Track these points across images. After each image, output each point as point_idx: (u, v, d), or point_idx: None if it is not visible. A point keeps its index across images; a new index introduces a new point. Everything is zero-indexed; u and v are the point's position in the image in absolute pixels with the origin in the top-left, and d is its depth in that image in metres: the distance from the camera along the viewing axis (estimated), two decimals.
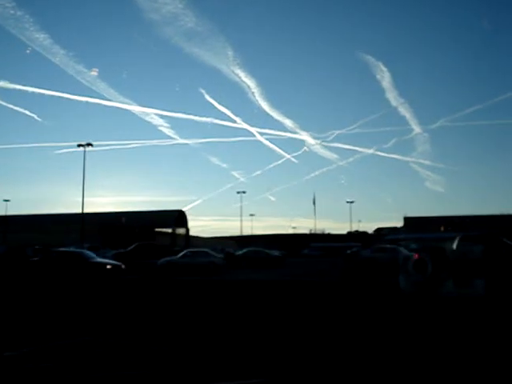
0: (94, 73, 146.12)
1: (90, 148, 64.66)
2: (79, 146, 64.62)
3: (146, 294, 19.63)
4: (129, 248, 40.72)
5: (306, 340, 9.58)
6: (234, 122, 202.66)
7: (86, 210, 67.16)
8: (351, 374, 7.06)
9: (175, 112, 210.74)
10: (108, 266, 27.26)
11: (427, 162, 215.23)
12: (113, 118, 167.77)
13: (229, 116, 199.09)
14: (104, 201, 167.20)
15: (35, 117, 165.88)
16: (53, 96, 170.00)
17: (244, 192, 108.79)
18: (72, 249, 36.16)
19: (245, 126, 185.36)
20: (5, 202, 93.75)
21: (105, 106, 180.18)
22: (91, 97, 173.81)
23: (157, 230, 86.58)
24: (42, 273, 26.65)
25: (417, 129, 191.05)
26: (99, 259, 28.77)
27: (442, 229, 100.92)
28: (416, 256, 25.81)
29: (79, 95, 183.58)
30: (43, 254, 42.68)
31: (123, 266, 27.81)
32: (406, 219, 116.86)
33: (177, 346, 9.05)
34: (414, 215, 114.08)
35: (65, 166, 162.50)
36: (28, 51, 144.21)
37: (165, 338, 9.82)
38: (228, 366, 7.62)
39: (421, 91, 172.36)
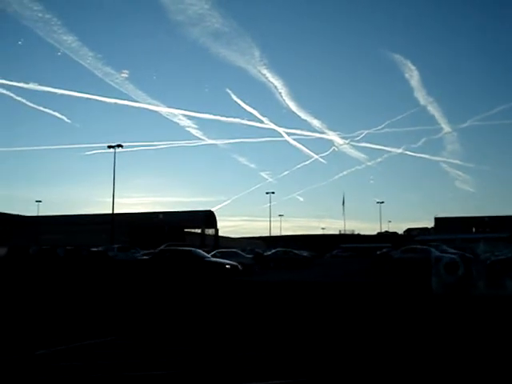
0: (124, 74, 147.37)
1: (119, 149, 65.33)
2: (109, 147, 65.30)
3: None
4: (158, 248, 40.92)
5: (334, 341, 9.51)
6: (261, 122, 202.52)
7: (116, 211, 67.88)
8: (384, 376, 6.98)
9: (202, 113, 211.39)
10: (227, 266, 26.74)
11: (457, 162, 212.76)
12: (141, 119, 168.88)
13: (256, 116, 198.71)
14: (133, 201, 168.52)
15: (65, 119, 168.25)
16: (82, 98, 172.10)
17: (273, 192, 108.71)
18: (185, 247, 35.14)
19: (272, 126, 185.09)
20: (36, 203, 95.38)
21: (133, 107, 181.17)
22: (119, 98, 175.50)
23: (186, 230, 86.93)
24: (154, 271, 26.42)
25: (446, 128, 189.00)
26: (215, 259, 28.37)
27: (474, 230, 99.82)
28: (448, 257, 25.62)
29: (108, 97, 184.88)
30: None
31: (240, 267, 27.17)
32: (437, 220, 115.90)
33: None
34: (445, 215, 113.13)
35: (94, 167, 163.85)
36: (59, 53, 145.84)
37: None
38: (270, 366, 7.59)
39: (450, 90, 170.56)
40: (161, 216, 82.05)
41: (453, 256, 29.36)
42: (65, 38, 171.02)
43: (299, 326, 11.33)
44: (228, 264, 26.87)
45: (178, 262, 26.35)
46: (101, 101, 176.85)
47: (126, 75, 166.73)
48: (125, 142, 64.59)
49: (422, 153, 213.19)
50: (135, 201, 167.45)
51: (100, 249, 46.38)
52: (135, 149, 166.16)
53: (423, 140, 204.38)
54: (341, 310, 14.55)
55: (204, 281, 24.28)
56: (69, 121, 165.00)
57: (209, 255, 28.69)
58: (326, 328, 11.11)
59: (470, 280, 18.07)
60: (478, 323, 11.65)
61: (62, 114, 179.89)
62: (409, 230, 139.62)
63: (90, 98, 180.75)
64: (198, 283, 23.85)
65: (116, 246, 49.64)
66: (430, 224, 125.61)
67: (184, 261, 26.43)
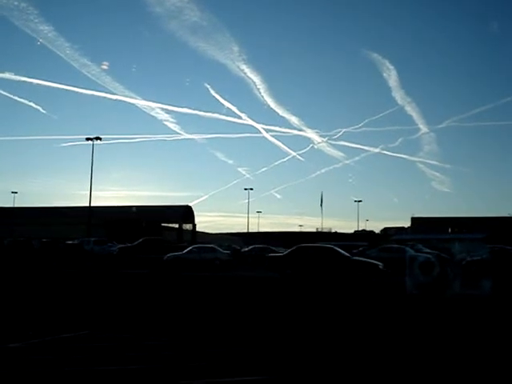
0: (105, 66, 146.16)
1: (97, 142, 64.85)
2: (88, 139, 64.76)
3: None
4: (135, 242, 40.73)
5: (298, 337, 9.54)
6: (240, 118, 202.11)
7: (92, 204, 67.33)
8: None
9: (180, 107, 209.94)
10: (380, 267, 24.83)
11: (434, 162, 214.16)
12: (118, 112, 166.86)
13: (234, 112, 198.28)
14: (110, 195, 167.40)
15: (40, 109, 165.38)
16: (58, 88, 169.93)
17: (251, 189, 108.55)
18: (326, 245, 31.64)
19: (250, 122, 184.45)
20: (12, 195, 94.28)
21: (110, 99, 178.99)
22: (96, 90, 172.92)
23: (163, 225, 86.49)
24: (292, 267, 25.59)
25: (424, 128, 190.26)
26: (363, 258, 27.26)
27: (450, 230, 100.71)
28: (422, 257, 25.79)
29: (84, 88, 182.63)
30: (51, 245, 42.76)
31: (381, 266, 25.02)
32: (414, 219, 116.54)
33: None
34: (421, 215, 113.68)
35: (71, 160, 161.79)
36: (38, 43, 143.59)
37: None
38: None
39: (428, 90, 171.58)
40: (134, 209, 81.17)
41: (428, 256, 29.58)
42: (41, 27, 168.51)
43: (272, 322, 11.35)
44: (381, 265, 25.08)
45: (319, 260, 25.08)
46: (77, 92, 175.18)
47: (106, 67, 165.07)
48: (101, 134, 63.98)
49: (399, 153, 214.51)
50: (112, 194, 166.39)
51: (76, 242, 46.10)
52: (112, 142, 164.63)
53: (400, 140, 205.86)
54: (303, 305, 14.59)
55: (351, 280, 23.35)
56: (44, 111, 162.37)
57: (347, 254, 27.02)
58: (288, 323, 11.14)
59: (445, 280, 18.21)
60: (445, 324, 11.74)
61: (38, 105, 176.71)
62: (385, 229, 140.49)
63: (66, 89, 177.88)
64: (345, 282, 22.95)
65: (92, 239, 49.33)
66: (407, 223, 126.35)
67: (326, 258, 25.16)
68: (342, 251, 26.40)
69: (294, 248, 27.01)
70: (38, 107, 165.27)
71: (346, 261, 25.01)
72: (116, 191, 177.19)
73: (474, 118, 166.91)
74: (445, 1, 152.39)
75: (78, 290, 18.61)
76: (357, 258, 26.66)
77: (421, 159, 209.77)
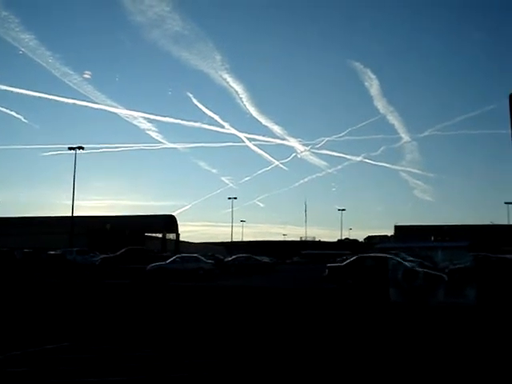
0: (87, 75, 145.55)
1: (79, 151, 64.49)
2: (70, 148, 64.39)
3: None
4: (118, 252, 40.44)
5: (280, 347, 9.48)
6: (223, 127, 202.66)
7: (75, 214, 66.92)
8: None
9: (163, 116, 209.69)
10: (444, 278, 21.66)
11: (416, 171, 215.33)
12: (100, 122, 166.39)
13: (217, 121, 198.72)
14: (92, 204, 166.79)
15: (22, 118, 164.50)
16: (39, 98, 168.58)
17: (235, 198, 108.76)
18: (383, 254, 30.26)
19: (233, 131, 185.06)
20: None
21: (92, 108, 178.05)
22: (78, 99, 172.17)
23: (147, 234, 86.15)
24: (353, 278, 25.11)
25: (405, 137, 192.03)
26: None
27: (433, 238, 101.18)
28: (406, 266, 25.78)
29: (66, 97, 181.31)
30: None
31: (445, 277, 22.07)
32: (397, 228, 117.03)
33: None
34: (405, 224, 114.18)
35: (53, 169, 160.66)
36: (20, 52, 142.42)
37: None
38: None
39: (410, 99, 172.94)
40: (108, 226, 79.64)
41: (412, 264, 29.59)
42: (22, 36, 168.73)
43: (251, 333, 11.28)
44: (444, 276, 22.45)
45: (380, 270, 24.32)
46: (59, 101, 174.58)
47: (88, 76, 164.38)
48: (83, 143, 63.66)
49: (381, 161, 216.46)
50: (95, 203, 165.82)
51: (58, 252, 45.68)
52: (94, 151, 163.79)
53: (383, 148, 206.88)
54: (287, 317, 14.51)
55: None
56: (26, 121, 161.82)
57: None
58: (272, 333, 11.08)
59: (428, 289, 18.19)
60: (423, 332, 11.73)
61: (19, 114, 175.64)
62: (369, 238, 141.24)
63: (47, 98, 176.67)
64: None
65: (75, 249, 48.93)
66: (390, 232, 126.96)
67: (387, 269, 24.45)
68: (403, 261, 25.93)
69: (355, 258, 26.56)
70: (20, 116, 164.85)
71: (410, 272, 24.40)
72: (99, 201, 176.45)
73: (455, 127, 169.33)
74: (427, 11, 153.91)
75: (60, 300, 18.39)
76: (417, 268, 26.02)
77: (403, 168, 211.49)
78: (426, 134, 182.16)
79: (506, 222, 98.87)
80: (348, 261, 27.23)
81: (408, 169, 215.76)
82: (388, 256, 26.97)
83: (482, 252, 36.25)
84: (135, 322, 12.99)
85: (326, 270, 26.99)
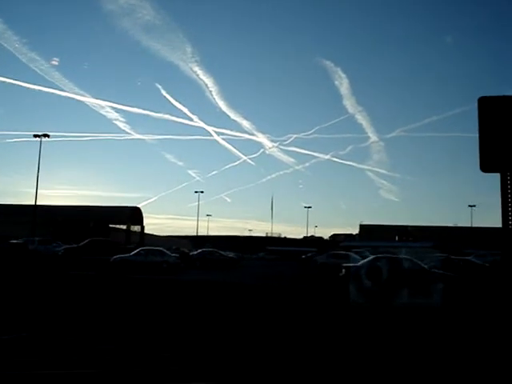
0: (54, 62, 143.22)
1: (45, 139, 63.54)
2: (35, 136, 63.40)
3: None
4: (81, 243, 39.91)
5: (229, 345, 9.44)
6: (191, 119, 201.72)
7: (39, 203, 65.86)
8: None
9: (131, 106, 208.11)
10: None
11: (382, 171, 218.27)
12: (67, 110, 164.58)
13: (185, 113, 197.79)
14: (57, 193, 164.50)
15: None
16: (4, 83, 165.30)
17: (202, 192, 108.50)
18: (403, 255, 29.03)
19: (201, 124, 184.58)
20: None
21: (59, 96, 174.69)
22: (45, 86, 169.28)
23: (111, 226, 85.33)
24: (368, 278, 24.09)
25: (373, 137, 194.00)
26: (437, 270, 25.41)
27: (397, 238, 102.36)
28: (370, 264, 25.85)
29: (32, 83, 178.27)
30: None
31: None
32: (362, 227, 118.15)
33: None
34: (369, 223, 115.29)
35: (17, 156, 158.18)
36: None
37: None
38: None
39: (378, 100, 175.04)
40: (60, 219, 77.76)
41: (376, 263, 29.70)
42: None
43: (200, 328, 11.21)
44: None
45: (398, 271, 23.88)
46: (25, 87, 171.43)
47: (56, 63, 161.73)
48: (49, 131, 62.60)
49: (349, 160, 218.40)
50: (59, 193, 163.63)
51: (20, 241, 44.89)
52: (60, 139, 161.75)
53: (350, 147, 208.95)
54: (245, 312, 14.47)
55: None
56: None
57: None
58: (229, 328, 11.03)
59: (392, 289, 18.21)
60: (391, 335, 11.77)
61: None
62: (334, 236, 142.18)
63: (12, 83, 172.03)
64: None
65: (37, 238, 48.14)
66: (355, 231, 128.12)
67: (400, 269, 24.00)
68: (420, 262, 25.80)
69: (371, 258, 26.24)
70: None
71: (424, 273, 24.34)
72: (64, 190, 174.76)
73: (422, 129, 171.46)
74: (397, 12, 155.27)
75: (19, 291, 18.07)
76: (435, 270, 25.92)
77: (370, 167, 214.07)
78: (393, 134, 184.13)
79: (469, 225, 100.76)
80: (364, 261, 26.87)
81: (375, 168, 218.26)
82: (406, 257, 26.76)
83: (444, 253, 36.73)
84: (98, 314, 12.80)
85: (343, 270, 26.40)
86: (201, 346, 9.10)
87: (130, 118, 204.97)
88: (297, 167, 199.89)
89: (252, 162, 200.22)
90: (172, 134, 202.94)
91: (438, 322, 13.51)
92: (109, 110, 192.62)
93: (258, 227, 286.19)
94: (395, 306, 15.38)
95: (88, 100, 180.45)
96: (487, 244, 56.04)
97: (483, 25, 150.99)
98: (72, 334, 9.77)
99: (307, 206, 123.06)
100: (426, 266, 25.46)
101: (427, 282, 22.47)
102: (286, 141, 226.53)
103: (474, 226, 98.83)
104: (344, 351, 9.08)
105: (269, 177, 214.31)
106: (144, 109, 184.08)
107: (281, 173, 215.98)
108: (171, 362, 7.78)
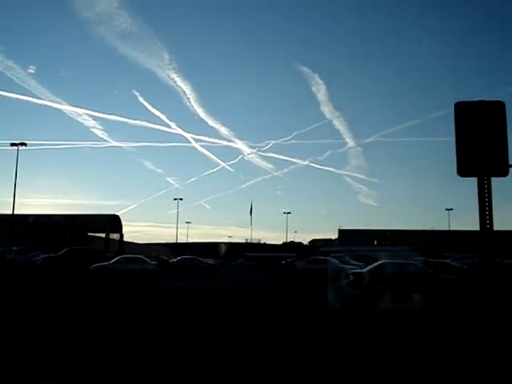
0: (31, 70, 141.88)
1: (22, 147, 63.04)
2: (12, 144, 62.90)
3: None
4: (59, 252, 39.62)
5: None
6: (169, 126, 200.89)
7: (16, 212, 65.26)
8: None
9: (108, 114, 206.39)
10: None
11: (360, 176, 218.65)
12: (44, 118, 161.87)
13: (163, 120, 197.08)
14: (34, 202, 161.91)
15: None
16: None
17: (181, 199, 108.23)
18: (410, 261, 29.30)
19: (180, 131, 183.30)
20: None
21: (35, 104, 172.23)
22: (21, 94, 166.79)
23: (90, 234, 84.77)
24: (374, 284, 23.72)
25: (351, 142, 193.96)
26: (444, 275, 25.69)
27: (376, 242, 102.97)
28: (349, 269, 25.95)
29: (8, 92, 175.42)
30: None
31: None
32: (341, 231, 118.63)
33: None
34: (348, 228, 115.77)
35: None
36: None
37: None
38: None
39: (355, 105, 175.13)
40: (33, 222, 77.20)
41: (357, 268, 29.87)
42: None
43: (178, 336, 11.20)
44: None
45: (402, 276, 23.48)
46: (1, 95, 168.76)
47: (32, 71, 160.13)
48: (26, 139, 62.10)
49: (327, 166, 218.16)
50: (37, 202, 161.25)
51: None
52: (37, 148, 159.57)
53: (328, 153, 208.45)
54: (226, 319, 14.48)
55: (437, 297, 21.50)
56: None
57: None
58: (207, 336, 11.03)
59: (373, 294, 18.26)
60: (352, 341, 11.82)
61: None
62: (313, 241, 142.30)
63: None
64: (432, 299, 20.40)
65: (15, 248, 47.64)
66: (334, 235, 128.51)
67: (409, 275, 23.64)
68: (427, 268, 25.65)
69: (378, 264, 26.05)
70: None
71: (431, 277, 24.27)
72: (42, 199, 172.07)
73: (399, 134, 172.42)
74: (375, 17, 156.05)
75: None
76: (441, 274, 25.80)
77: (348, 172, 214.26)
78: (371, 139, 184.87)
79: (446, 228, 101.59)
80: (370, 267, 26.76)
81: (353, 174, 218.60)
82: (413, 263, 26.68)
83: (422, 257, 37.10)
84: (78, 323, 12.70)
85: (351, 276, 26.09)
86: (181, 354, 9.09)
87: (107, 126, 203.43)
88: (275, 173, 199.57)
89: (231, 169, 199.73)
90: (150, 142, 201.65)
91: (449, 323, 13.61)
92: (86, 117, 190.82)
93: (238, 233, 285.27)
94: (409, 311, 15.29)
95: (65, 108, 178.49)
96: (465, 247, 56.59)
97: (460, 29, 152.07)
98: (53, 344, 9.69)
99: (286, 211, 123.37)
100: (431, 270, 25.56)
101: (435, 286, 22.70)
102: (264, 147, 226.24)
103: (451, 229, 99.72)
104: (337, 350, 9.12)
105: (248, 183, 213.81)
106: (121, 116, 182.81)
107: (259, 179, 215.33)
108: (150, 370, 7.76)
